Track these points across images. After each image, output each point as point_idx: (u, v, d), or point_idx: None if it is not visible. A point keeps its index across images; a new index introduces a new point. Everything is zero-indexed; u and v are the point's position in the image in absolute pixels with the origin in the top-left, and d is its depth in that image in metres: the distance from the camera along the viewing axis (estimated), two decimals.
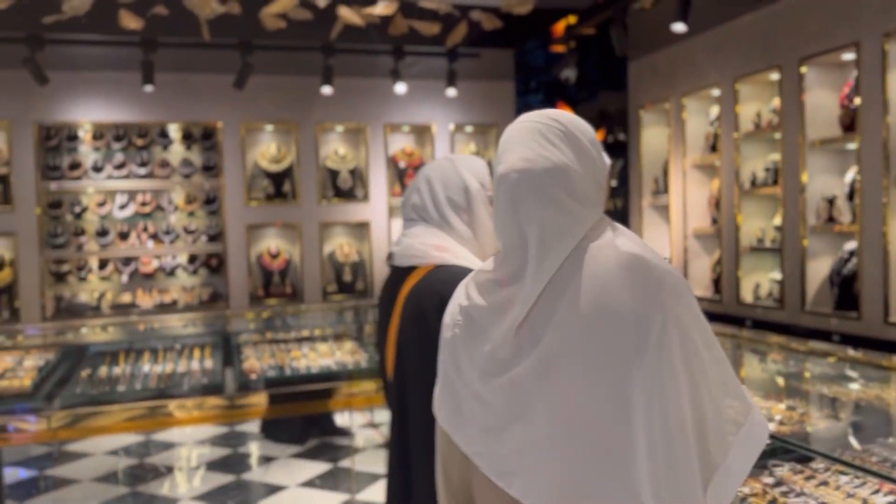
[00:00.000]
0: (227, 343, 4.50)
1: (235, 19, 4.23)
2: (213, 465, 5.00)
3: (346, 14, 3.89)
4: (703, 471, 1.01)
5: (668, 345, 1.00)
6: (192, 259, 6.35)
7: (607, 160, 1.21)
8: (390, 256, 1.74)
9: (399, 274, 1.72)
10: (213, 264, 6.35)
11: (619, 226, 1.15)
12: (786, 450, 2.05)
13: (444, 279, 1.47)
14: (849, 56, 4.05)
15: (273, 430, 5.43)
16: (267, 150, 6.44)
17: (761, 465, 1.99)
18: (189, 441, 5.52)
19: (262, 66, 5.65)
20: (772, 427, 2.34)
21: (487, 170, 1.70)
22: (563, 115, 1.18)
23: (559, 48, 6.17)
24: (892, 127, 3.72)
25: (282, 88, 6.31)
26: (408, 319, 1.54)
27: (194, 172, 6.27)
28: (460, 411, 1.12)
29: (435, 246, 1.64)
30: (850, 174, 4.11)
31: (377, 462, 4.94)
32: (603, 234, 1.10)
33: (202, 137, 6.34)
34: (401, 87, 5.93)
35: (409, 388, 1.52)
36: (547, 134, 1.13)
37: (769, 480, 1.91)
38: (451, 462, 1.19)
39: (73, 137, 6.06)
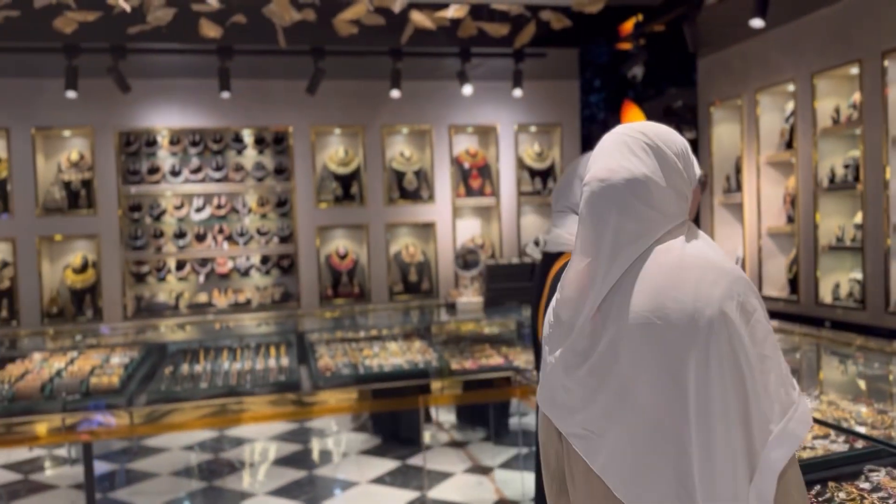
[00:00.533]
0: (300, 341, 4.61)
1: (309, 26, 4.33)
2: (286, 461, 5.13)
3: (418, 18, 3.94)
4: (748, 460, 1.08)
5: (715, 339, 1.08)
6: (265, 260, 6.52)
7: (698, 171, 1.29)
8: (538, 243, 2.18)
9: (549, 259, 2.04)
10: (285, 265, 6.51)
11: (698, 231, 1.24)
12: (889, 453, 1.99)
13: None
14: None
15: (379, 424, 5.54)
16: (335, 153, 6.56)
17: (857, 470, 1.95)
18: (261, 437, 5.67)
19: (332, 70, 5.76)
20: (862, 430, 2.28)
21: None
22: (652, 128, 1.26)
23: (625, 46, 6.10)
24: None
25: (349, 92, 6.41)
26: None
27: (266, 176, 6.43)
28: (554, 398, 1.25)
29: None
30: None
31: (447, 461, 4.98)
32: (676, 238, 1.19)
33: (274, 142, 6.50)
34: (468, 90, 5.96)
35: None
36: (632, 146, 1.22)
37: (866, 486, 1.86)
38: (549, 445, 1.32)
39: (152, 143, 6.29)
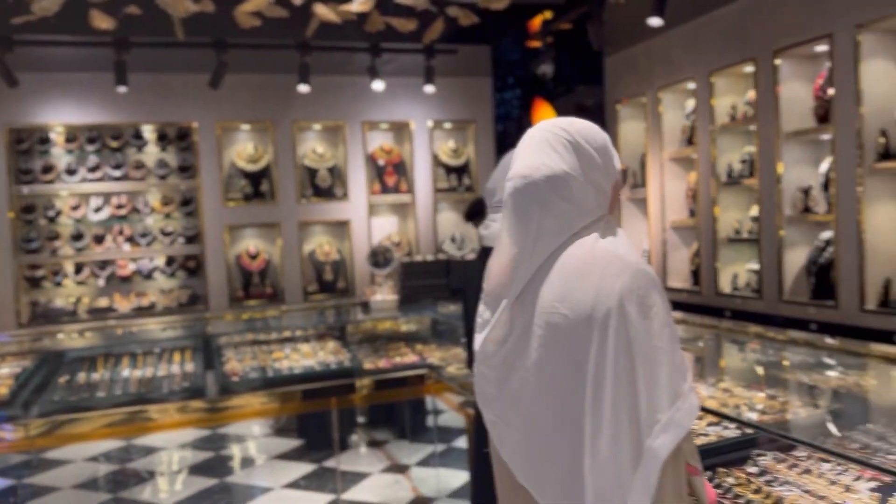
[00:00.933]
0: (207, 346, 4.46)
1: (209, 18, 4.18)
2: (196, 469, 4.96)
3: (322, 11, 3.86)
4: (635, 449, 1.11)
5: (612, 330, 1.12)
6: (170, 261, 6.27)
7: (618, 165, 1.32)
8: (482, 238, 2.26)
9: (488, 253, 2.13)
10: (192, 266, 6.28)
11: (616, 227, 1.28)
12: (770, 439, 2.07)
13: None
14: (822, 48, 4.09)
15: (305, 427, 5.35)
16: (244, 149, 6.38)
17: (744, 455, 2.01)
18: (171, 445, 5.47)
19: (237, 64, 5.59)
20: (754, 417, 2.36)
21: None
22: (573, 124, 1.29)
23: (535, 43, 6.17)
24: (865, 117, 3.76)
25: (257, 87, 6.25)
26: None
27: (170, 173, 6.19)
28: (479, 387, 1.31)
29: None
30: (825, 164, 4.16)
31: (363, 461, 4.93)
32: (592, 233, 1.24)
33: (177, 138, 6.26)
34: (378, 85, 5.90)
35: None
36: (553, 142, 1.26)
37: (753, 470, 1.93)
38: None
39: (45, 140, 5.96)
